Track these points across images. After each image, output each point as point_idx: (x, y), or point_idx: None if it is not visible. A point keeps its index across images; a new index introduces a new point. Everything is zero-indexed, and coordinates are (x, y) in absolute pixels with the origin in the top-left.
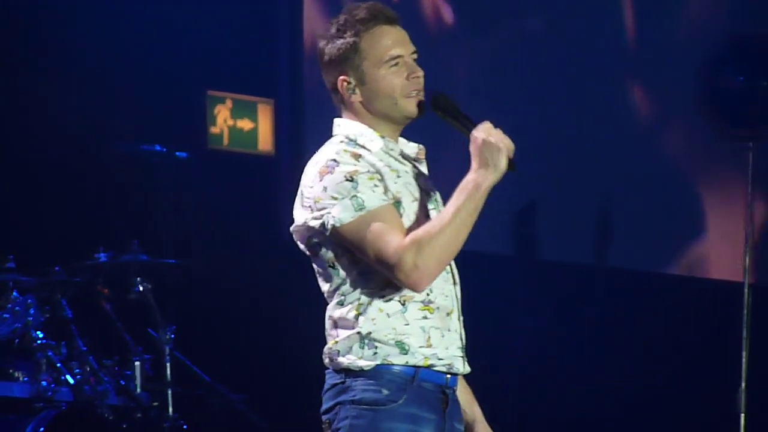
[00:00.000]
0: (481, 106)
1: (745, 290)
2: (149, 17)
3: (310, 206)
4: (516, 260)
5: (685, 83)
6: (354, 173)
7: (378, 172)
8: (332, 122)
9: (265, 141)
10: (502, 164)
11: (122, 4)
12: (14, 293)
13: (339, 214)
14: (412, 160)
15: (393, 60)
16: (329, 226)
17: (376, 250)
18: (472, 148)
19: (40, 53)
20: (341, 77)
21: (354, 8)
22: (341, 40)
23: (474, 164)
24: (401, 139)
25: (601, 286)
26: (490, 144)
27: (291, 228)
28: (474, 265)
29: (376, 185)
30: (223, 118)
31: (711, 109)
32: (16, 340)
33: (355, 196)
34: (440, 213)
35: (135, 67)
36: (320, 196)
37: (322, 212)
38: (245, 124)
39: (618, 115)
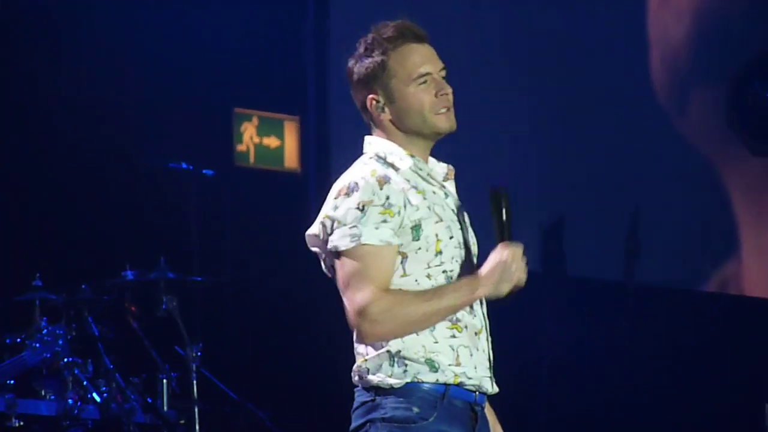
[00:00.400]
0: (506, 123)
1: None
2: (176, 35)
3: (322, 222)
4: (543, 276)
5: (717, 97)
6: (367, 203)
7: (396, 204)
8: (361, 139)
9: (291, 158)
10: (505, 290)
11: (150, 22)
12: (44, 322)
13: (335, 240)
14: (441, 180)
15: (421, 78)
16: (331, 247)
17: (345, 286)
18: (493, 257)
19: (68, 71)
20: (370, 96)
21: (382, 27)
22: (369, 59)
23: (484, 271)
24: (431, 159)
25: (630, 303)
26: (509, 268)
27: (311, 244)
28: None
29: (384, 221)
30: (249, 136)
31: (740, 124)
32: (44, 371)
33: (356, 226)
34: (426, 291)
35: (162, 84)
36: (329, 214)
37: (327, 231)
38: (272, 142)
39: (649, 130)
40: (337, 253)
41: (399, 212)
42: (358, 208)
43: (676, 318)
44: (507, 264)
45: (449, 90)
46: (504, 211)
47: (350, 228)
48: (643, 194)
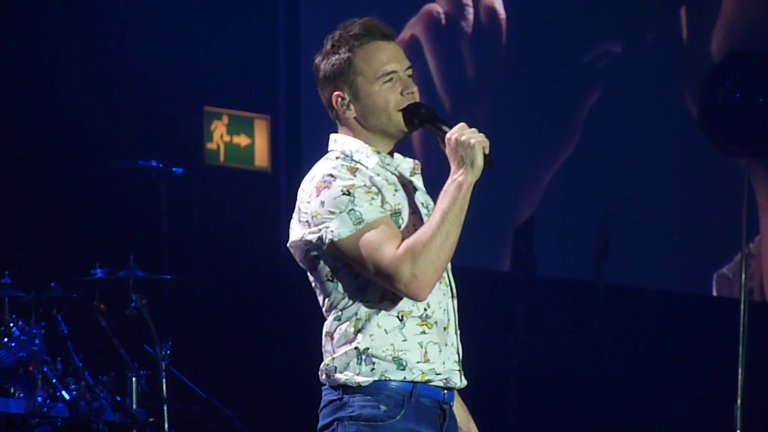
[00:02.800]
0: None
1: (742, 306)
2: (147, 33)
3: (307, 221)
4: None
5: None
6: (351, 187)
7: (374, 185)
8: (329, 138)
9: (261, 157)
10: (479, 161)
11: (120, 21)
12: (21, 322)
13: (337, 229)
14: (408, 176)
15: (387, 76)
16: (327, 241)
17: (373, 263)
18: (447, 150)
19: (37, 69)
20: (336, 93)
21: (349, 24)
22: (336, 56)
23: (452, 166)
24: (397, 155)
25: (599, 303)
26: (463, 143)
27: (288, 244)
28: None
29: (373, 198)
30: (219, 134)
31: (710, 126)
32: (20, 370)
33: (352, 209)
34: (428, 219)
35: (132, 83)
36: (318, 211)
37: (320, 227)
38: (242, 140)
39: (619, 127)
40: (344, 242)
41: (378, 193)
42: (344, 194)
43: (644, 318)
44: (459, 141)
45: (415, 89)
46: (430, 112)
47: (348, 213)
48: (612, 193)
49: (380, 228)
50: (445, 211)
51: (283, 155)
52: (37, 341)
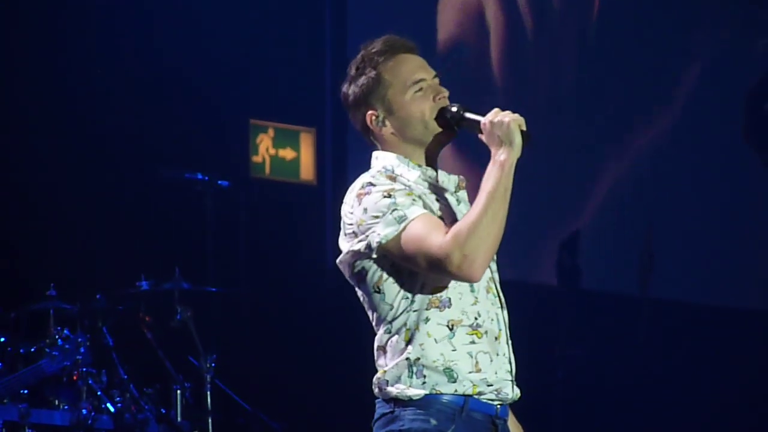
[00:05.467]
0: None
1: None
2: (194, 46)
3: (354, 232)
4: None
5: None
6: (391, 190)
7: (414, 192)
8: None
9: (306, 170)
10: (517, 138)
11: (168, 33)
12: (66, 331)
13: (383, 231)
14: (453, 190)
15: (417, 84)
16: (375, 245)
17: (423, 254)
18: (485, 137)
19: (84, 80)
20: (369, 112)
21: (369, 44)
22: (363, 77)
23: (492, 150)
24: (441, 171)
25: (644, 317)
26: (497, 123)
27: (337, 260)
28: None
29: (414, 199)
30: (265, 147)
31: (755, 138)
32: (65, 378)
33: (395, 209)
34: (475, 202)
35: (178, 95)
36: (362, 219)
37: (367, 233)
38: (287, 153)
39: (665, 145)
40: (392, 242)
41: (419, 198)
42: (385, 197)
43: (688, 332)
44: (493, 123)
45: (446, 93)
46: (462, 109)
47: (391, 213)
48: (657, 207)
49: (424, 221)
50: (490, 191)
51: (329, 168)
52: (82, 350)
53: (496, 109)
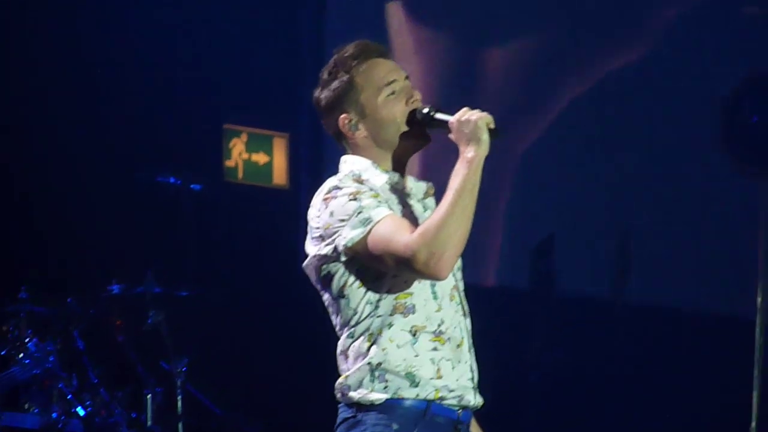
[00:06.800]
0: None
1: (757, 328)
2: (167, 51)
3: (320, 236)
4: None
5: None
6: (357, 193)
7: (380, 194)
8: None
9: (279, 174)
10: (484, 136)
11: (141, 38)
12: (35, 339)
13: (350, 234)
14: (421, 197)
15: (389, 86)
16: (342, 248)
17: (390, 254)
18: (453, 136)
19: (55, 85)
20: (342, 116)
21: (341, 49)
22: (336, 81)
23: (460, 148)
24: (410, 177)
25: (619, 322)
26: (464, 122)
27: (303, 265)
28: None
29: (380, 201)
30: (238, 152)
31: (730, 147)
32: (34, 387)
33: (361, 212)
34: (442, 199)
35: (152, 99)
36: (329, 222)
37: (334, 237)
38: (260, 158)
39: (639, 147)
40: (358, 244)
41: (385, 201)
42: (351, 200)
43: (664, 337)
44: (460, 122)
45: (419, 96)
46: (431, 109)
47: (357, 216)
48: (632, 212)
49: (390, 222)
50: (457, 189)
51: (304, 173)
52: (51, 358)
53: (464, 108)
